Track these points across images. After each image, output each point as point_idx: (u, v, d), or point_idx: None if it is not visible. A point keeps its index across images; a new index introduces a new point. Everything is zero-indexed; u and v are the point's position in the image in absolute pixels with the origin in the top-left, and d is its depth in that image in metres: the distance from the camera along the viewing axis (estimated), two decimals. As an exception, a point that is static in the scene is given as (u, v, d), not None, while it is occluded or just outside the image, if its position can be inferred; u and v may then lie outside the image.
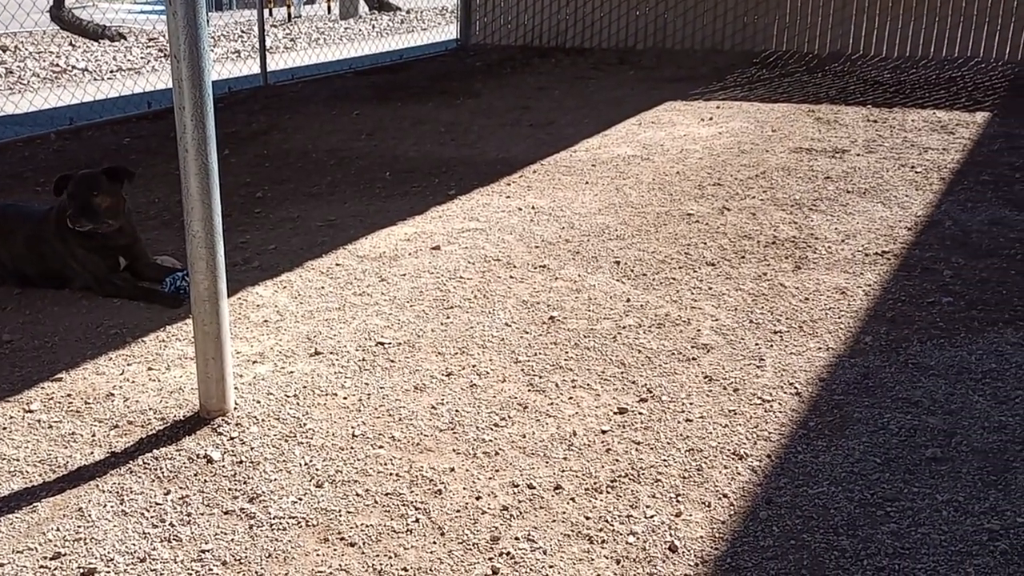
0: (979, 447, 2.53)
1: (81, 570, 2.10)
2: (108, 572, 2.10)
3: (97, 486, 2.42)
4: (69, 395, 2.91)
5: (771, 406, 2.79)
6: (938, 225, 4.42)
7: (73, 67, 10.00)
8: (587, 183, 5.31)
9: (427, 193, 5.19)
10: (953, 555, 2.11)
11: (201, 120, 2.49)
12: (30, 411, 2.81)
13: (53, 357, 3.18)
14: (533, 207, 4.85)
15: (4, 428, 2.71)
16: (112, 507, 2.33)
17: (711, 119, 7.01)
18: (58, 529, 2.24)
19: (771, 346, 3.18)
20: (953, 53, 9.78)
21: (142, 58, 10.84)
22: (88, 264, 3.70)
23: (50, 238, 3.72)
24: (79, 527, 2.25)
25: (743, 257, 4.05)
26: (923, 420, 2.68)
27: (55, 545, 2.19)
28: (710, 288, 3.71)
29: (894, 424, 2.66)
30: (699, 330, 3.32)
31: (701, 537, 2.20)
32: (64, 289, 3.76)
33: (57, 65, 10.00)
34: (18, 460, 2.54)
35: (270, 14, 16.83)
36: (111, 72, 9.92)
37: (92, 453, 2.58)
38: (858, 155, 5.79)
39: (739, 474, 2.45)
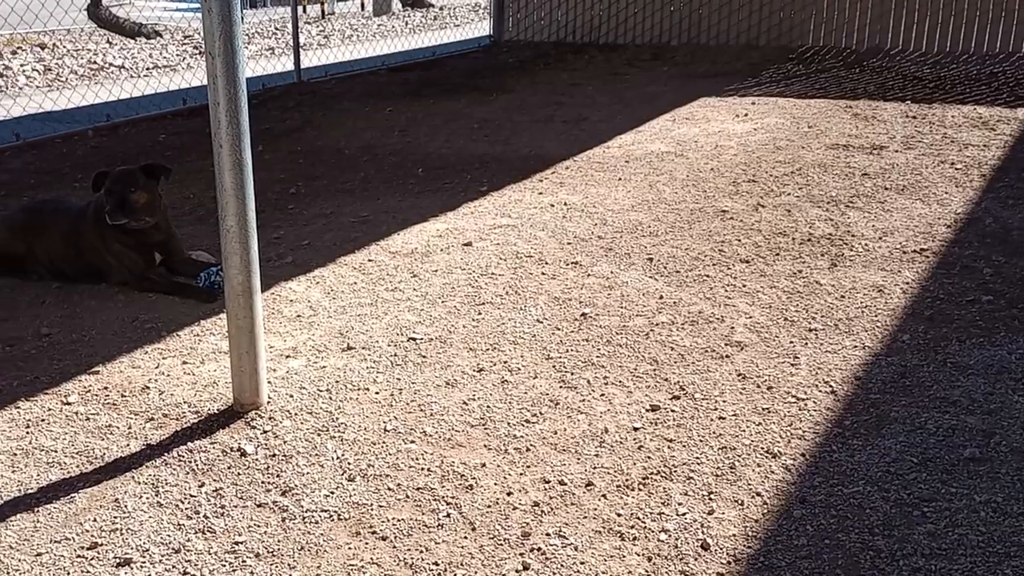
0: (1019, 447, 2.48)
1: (117, 560, 2.13)
2: (143, 562, 2.12)
3: (133, 478, 2.45)
4: (106, 388, 2.95)
5: (805, 404, 2.75)
6: (978, 222, 4.34)
7: (110, 64, 10.15)
8: (620, 179, 5.28)
9: (459, 189, 5.20)
10: (991, 556, 2.06)
11: (235, 116, 2.51)
12: (68, 403, 2.86)
13: (90, 350, 3.23)
14: (565, 203, 4.83)
15: (43, 420, 2.76)
16: (147, 498, 2.36)
17: (746, 115, 6.94)
18: (95, 520, 2.28)
19: (806, 344, 3.14)
20: (995, 48, 9.59)
21: (177, 55, 10.98)
22: (124, 259, 3.75)
23: (87, 234, 3.77)
24: (115, 518, 2.28)
25: (778, 254, 4.00)
26: (961, 420, 2.63)
27: (92, 535, 2.22)
28: (744, 285, 3.67)
29: (932, 423, 2.61)
30: (733, 327, 3.29)
31: (734, 535, 2.17)
32: (101, 284, 3.82)
33: (95, 63, 10.16)
34: (56, 451, 2.59)
35: (304, 11, 16.96)
36: (147, 69, 10.05)
37: (128, 445, 2.61)
38: (896, 151, 5.70)
39: (772, 472, 2.42)
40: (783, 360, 3.03)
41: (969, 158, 5.49)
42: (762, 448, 2.53)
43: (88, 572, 2.10)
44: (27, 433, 2.69)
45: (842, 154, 5.67)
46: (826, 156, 5.63)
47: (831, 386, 2.85)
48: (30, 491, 2.40)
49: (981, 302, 3.43)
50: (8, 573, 2.10)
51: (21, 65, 9.62)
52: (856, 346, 3.11)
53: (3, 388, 2.97)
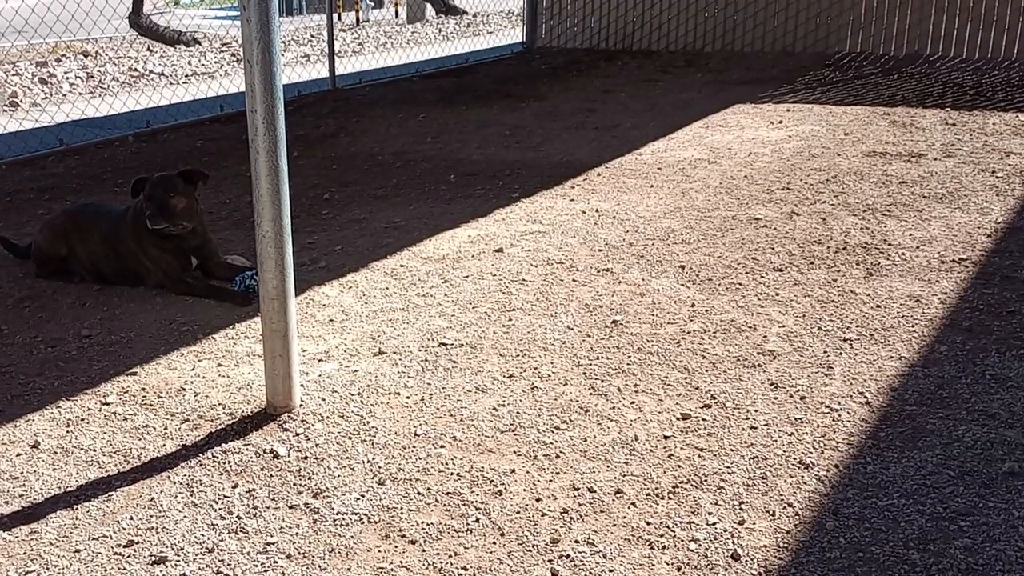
0: (1060, 462, 2.43)
1: (152, 558, 2.17)
2: (178, 561, 2.16)
3: (168, 477, 2.49)
4: (143, 389, 3.00)
5: (839, 415, 2.72)
6: (1020, 231, 4.26)
7: (150, 71, 10.33)
8: (652, 186, 5.26)
9: (491, 196, 5.21)
10: (1031, 574, 2.03)
11: (272, 123, 2.54)
12: (107, 403, 2.91)
13: (128, 352, 3.29)
14: (597, 210, 4.83)
15: (82, 419, 2.81)
16: (183, 498, 2.39)
17: (781, 122, 6.88)
18: (131, 518, 2.32)
19: (840, 354, 3.10)
20: (1037, 54, 9.42)
21: (215, 62, 11.14)
22: (162, 263, 3.82)
23: (126, 237, 3.84)
24: (151, 516, 2.32)
25: (812, 263, 3.97)
26: (1000, 433, 2.58)
27: (128, 533, 2.26)
28: (777, 294, 3.64)
29: (969, 436, 2.57)
30: (765, 336, 3.26)
31: (765, 546, 2.16)
32: (139, 287, 3.88)
33: (135, 70, 10.34)
34: (95, 450, 2.63)
35: (339, 19, 17.13)
36: (186, 76, 10.22)
37: (164, 445, 2.66)
38: (935, 159, 5.62)
39: (805, 483, 2.39)
40: (817, 370, 3.00)
41: (1011, 166, 5.39)
42: (794, 458, 2.51)
43: (124, 569, 2.13)
44: (67, 432, 2.74)
45: (879, 162, 5.60)
46: (863, 164, 5.57)
47: (866, 397, 2.82)
48: (70, 489, 2.45)
49: (1021, 313, 3.37)
50: (48, 569, 2.14)
51: (65, 72, 9.82)
52: (892, 356, 3.07)
53: (45, 388, 3.04)
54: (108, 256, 3.91)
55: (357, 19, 17.07)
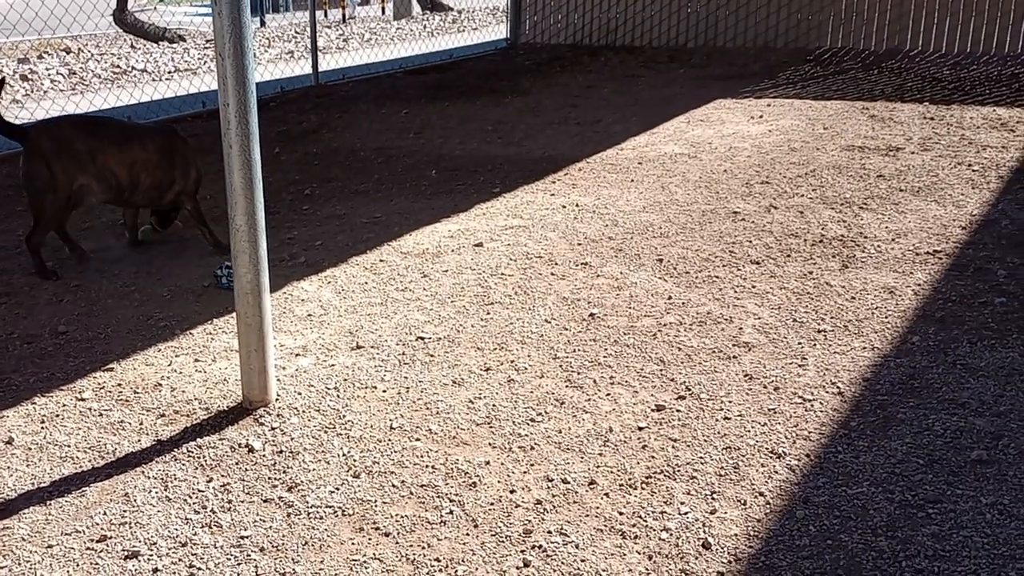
0: (1028, 450, 2.46)
1: (125, 552, 2.17)
2: (151, 555, 2.16)
3: (143, 473, 2.49)
4: (119, 385, 3.00)
5: (812, 405, 2.75)
6: (994, 224, 4.30)
7: (132, 68, 10.27)
8: (633, 181, 5.28)
9: (472, 191, 5.22)
10: (995, 559, 2.05)
11: (244, 116, 2.54)
12: (82, 399, 2.90)
13: (105, 348, 3.28)
14: (577, 205, 4.84)
15: (57, 416, 2.81)
16: (157, 493, 2.39)
17: (761, 117, 6.92)
18: (105, 513, 2.31)
19: (814, 345, 3.13)
20: (1016, 49, 9.50)
21: (199, 59, 11.09)
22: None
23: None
24: (125, 512, 2.32)
25: (789, 255, 3.99)
26: (970, 421, 2.61)
27: (101, 528, 2.26)
28: (754, 286, 3.66)
29: (939, 425, 2.60)
30: (741, 328, 3.29)
31: (735, 535, 2.18)
32: (118, 283, 3.87)
33: (117, 66, 10.28)
34: (69, 446, 2.63)
35: (325, 15, 17.08)
36: (168, 73, 10.17)
37: (139, 441, 2.65)
38: (913, 153, 5.67)
39: (776, 473, 2.42)
40: (791, 361, 3.03)
41: (987, 159, 5.44)
42: (767, 448, 2.53)
43: (97, 564, 2.13)
44: (42, 428, 2.74)
45: (857, 156, 5.64)
46: (841, 158, 5.61)
47: (838, 387, 2.84)
48: (43, 485, 2.44)
49: (994, 304, 3.40)
50: (20, 564, 2.14)
51: (47, 69, 9.76)
52: (865, 347, 3.10)
53: (20, 384, 3.02)
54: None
55: (344, 16, 17.02)
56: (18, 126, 3.92)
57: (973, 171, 5.20)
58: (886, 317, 3.33)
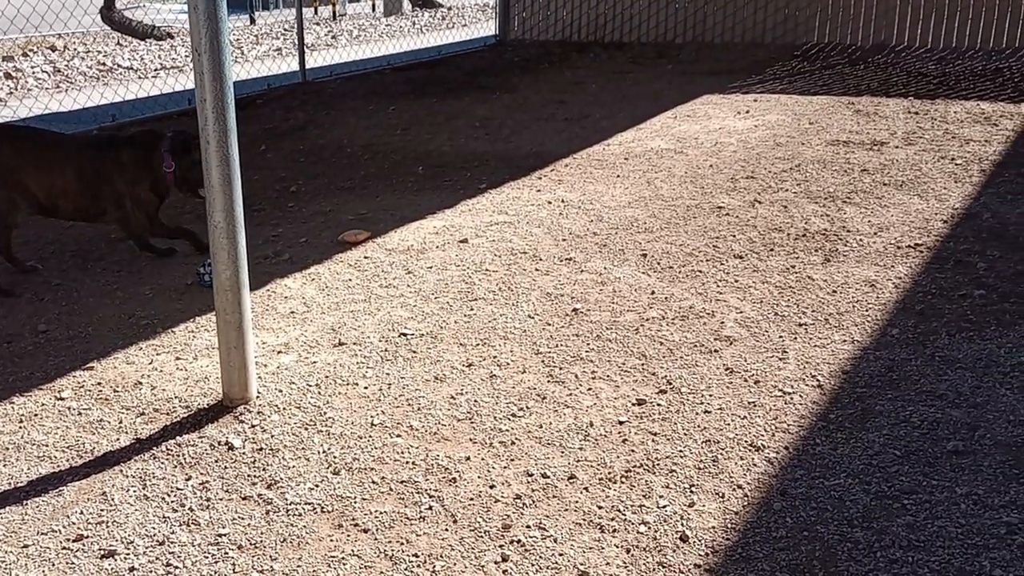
0: (1003, 440, 2.48)
1: (102, 552, 2.16)
2: (128, 554, 2.15)
3: (121, 471, 2.48)
4: (99, 383, 2.99)
5: (792, 398, 2.75)
6: (975, 217, 4.32)
7: (119, 66, 10.23)
8: (618, 176, 5.28)
9: (458, 187, 5.22)
10: (969, 548, 2.06)
11: (222, 112, 2.54)
12: (61, 399, 2.89)
13: (86, 347, 3.27)
14: (563, 200, 4.84)
15: (35, 415, 2.80)
16: (135, 491, 2.39)
17: (748, 112, 6.93)
18: (82, 512, 2.31)
19: (795, 339, 3.14)
20: (1001, 44, 9.53)
21: (186, 56, 11.05)
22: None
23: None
24: (102, 510, 2.31)
25: (772, 250, 4.00)
26: (947, 413, 2.62)
27: (78, 528, 2.25)
28: (736, 281, 3.67)
29: (916, 417, 2.61)
30: (723, 322, 3.29)
31: (713, 527, 2.18)
32: (100, 280, 3.85)
33: (104, 64, 10.24)
34: (47, 446, 2.62)
35: (315, 12, 17.02)
36: (155, 70, 10.12)
37: (118, 439, 2.65)
38: (897, 147, 5.68)
39: (755, 465, 2.42)
40: (771, 354, 3.03)
41: (970, 153, 5.46)
42: (746, 441, 2.54)
43: (73, 564, 2.13)
44: (20, 428, 2.72)
45: (842, 150, 5.66)
46: (826, 152, 5.62)
47: (818, 380, 2.85)
48: (20, 485, 2.44)
49: (973, 296, 3.42)
50: (-4, 564, 2.13)
51: (32, 67, 9.71)
52: (845, 340, 3.11)
53: (-1, 384, 3.01)
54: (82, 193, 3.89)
55: (334, 13, 16.98)
56: None
57: (956, 165, 5.22)
58: (867, 310, 3.34)
